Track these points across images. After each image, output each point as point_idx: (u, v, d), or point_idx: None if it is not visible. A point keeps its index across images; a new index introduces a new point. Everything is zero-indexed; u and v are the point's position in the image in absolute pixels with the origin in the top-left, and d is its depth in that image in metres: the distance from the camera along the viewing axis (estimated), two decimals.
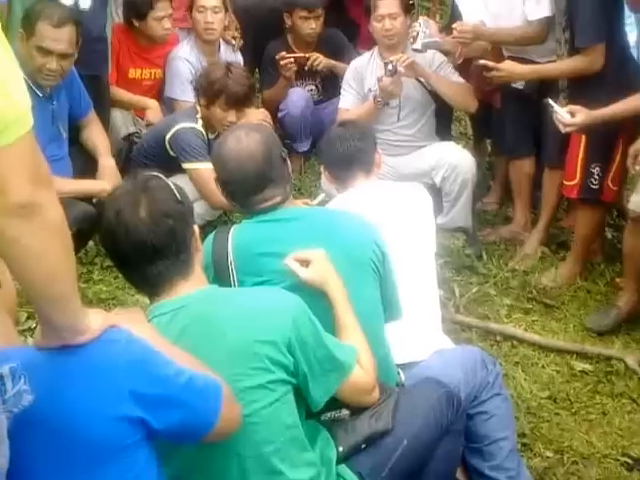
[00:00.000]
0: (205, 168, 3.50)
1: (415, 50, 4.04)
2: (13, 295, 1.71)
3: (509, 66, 3.74)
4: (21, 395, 1.34)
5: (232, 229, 2.12)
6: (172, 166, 3.55)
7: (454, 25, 3.89)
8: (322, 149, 3.00)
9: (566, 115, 3.32)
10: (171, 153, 3.73)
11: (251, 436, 1.72)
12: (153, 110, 4.26)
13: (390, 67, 3.93)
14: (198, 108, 3.78)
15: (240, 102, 3.69)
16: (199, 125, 3.74)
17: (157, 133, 3.87)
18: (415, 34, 4.01)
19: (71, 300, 1.38)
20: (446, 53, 4.18)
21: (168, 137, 3.72)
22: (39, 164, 1.24)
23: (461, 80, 4.15)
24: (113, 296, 3.43)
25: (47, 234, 1.25)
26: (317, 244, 2.03)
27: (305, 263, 2.00)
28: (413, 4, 4.36)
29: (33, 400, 1.36)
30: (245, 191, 2.10)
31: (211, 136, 3.75)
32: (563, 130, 3.37)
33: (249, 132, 2.13)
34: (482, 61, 3.77)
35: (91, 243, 3.66)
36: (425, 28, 3.99)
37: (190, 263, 1.81)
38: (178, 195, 1.80)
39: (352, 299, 2.00)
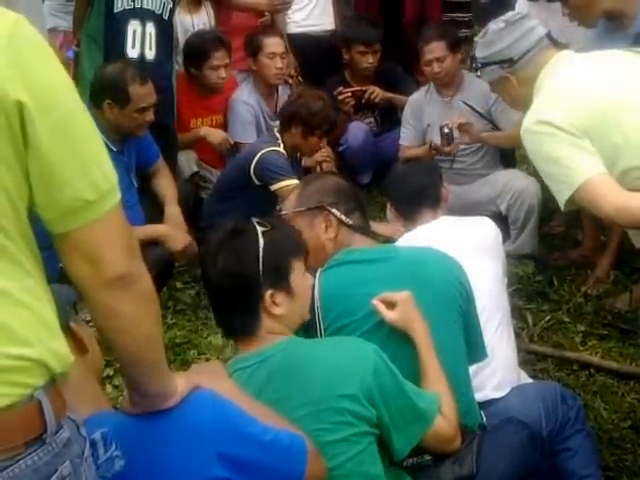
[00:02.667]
0: (293, 184, 3.55)
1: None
2: (100, 362, 1.75)
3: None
4: (113, 461, 1.37)
5: (318, 273, 2.11)
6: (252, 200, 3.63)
7: None
8: (388, 187, 3.01)
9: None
10: (256, 181, 3.77)
11: None
12: (210, 134, 4.32)
13: (446, 130, 3.99)
14: (278, 135, 3.84)
15: (335, 128, 3.88)
16: (281, 148, 3.80)
17: (240, 165, 3.91)
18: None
19: (162, 366, 1.41)
20: None
21: (253, 165, 3.75)
22: (129, 234, 1.28)
23: (520, 113, 4.12)
24: (187, 339, 3.49)
25: (141, 303, 1.28)
26: (403, 285, 2.01)
27: (391, 305, 1.99)
28: (465, 37, 4.39)
29: (124, 465, 1.39)
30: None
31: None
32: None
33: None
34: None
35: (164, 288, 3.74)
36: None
37: (258, 317, 1.83)
38: (262, 250, 1.81)
39: (436, 342, 1.99)
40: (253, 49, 4.48)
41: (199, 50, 4.26)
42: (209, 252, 1.83)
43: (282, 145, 3.80)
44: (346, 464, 1.72)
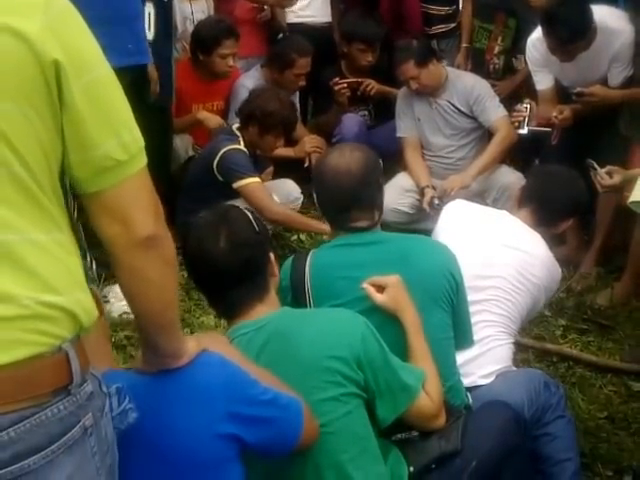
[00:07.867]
0: (255, 181, 3.72)
1: (521, 135, 4.13)
2: (108, 326, 1.82)
3: (602, 91, 3.85)
4: (126, 413, 1.42)
5: (310, 253, 2.20)
6: (222, 196, 3.66)
7: (554, 114, 3.93)
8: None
9: (605, 176, 3.37)
10: (220, 178, 3.83)
11: (326, 446, 1.80)
12: (207, 118, 4.36)
13: (437, 202, 4.07)
14: (237, 131, 3.92)
15: (293, 128, 3.93)
16: (242, 145, 3.87)
17: (203, 164, 3.97)
18: (521, 119, 4.08)
19: (177, 326, 1.47)
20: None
21: (215, 164, 3.82)
22: (156, 198, 1.33)
23: (501, 110, 4.24)
24: (181, 319, 3.51)
25: (164, 264, 1.33)
26: (393, 270, 2.07)
27: (381, 288, 2.05)
28: (433, 49, 4.51)
29: (136, 418, 1.44)
30: (334, 207, 2.17)
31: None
32: (600, 190, 3.43)
33: (354, 150, 2.18)
34: (578, 89, 3.87)
35: None
36: (530, 113, 4.07)
37: (266, 287, 1.94)
38: (256, 226, 1.93)
39: (424, 326, 2.05)
40: (283, 62, 4.48)
41: (211, 37, 4.28)
42: (204, 237, 1.88)
43: (242, 142, 3.88)
44: (335, 422, 1.80)
